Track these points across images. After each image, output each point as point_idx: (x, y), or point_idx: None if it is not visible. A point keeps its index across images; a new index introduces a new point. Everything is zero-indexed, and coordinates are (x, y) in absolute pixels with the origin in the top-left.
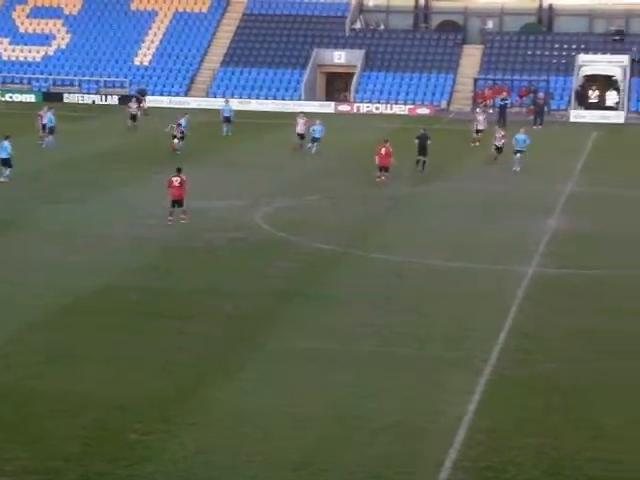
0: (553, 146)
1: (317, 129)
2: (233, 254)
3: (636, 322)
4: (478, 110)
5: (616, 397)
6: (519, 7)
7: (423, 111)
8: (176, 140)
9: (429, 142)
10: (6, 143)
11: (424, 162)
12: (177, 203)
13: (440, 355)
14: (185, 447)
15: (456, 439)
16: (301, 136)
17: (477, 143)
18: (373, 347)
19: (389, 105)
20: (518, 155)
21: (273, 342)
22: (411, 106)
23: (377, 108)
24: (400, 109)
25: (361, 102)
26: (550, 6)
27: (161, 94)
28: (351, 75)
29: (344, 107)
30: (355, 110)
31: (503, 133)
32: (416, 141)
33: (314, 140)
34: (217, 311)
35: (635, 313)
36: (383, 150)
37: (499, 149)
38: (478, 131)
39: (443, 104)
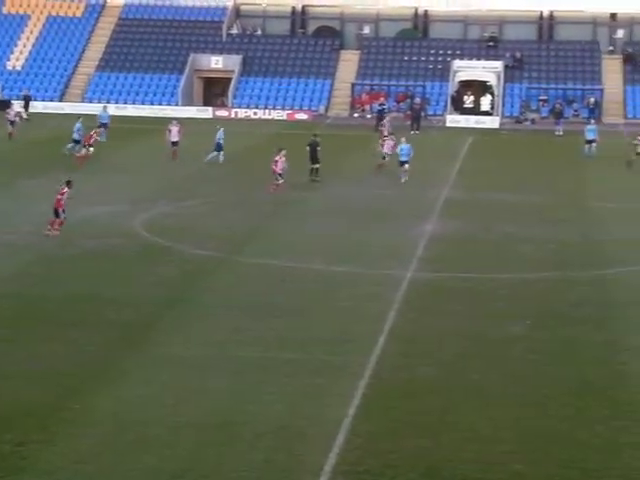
0: (430, 151)
1: (219, 135)
2: (112, 261)
3: (510, 325)
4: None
5: (490, 399)
6: (395, 13)
7: (301, 116)
8: (84, 149)
9: (319, 148)
10: None
11: (317, 169)
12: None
13: (321, 359)
14: (63, 457)
15: (336, 443)
16: (174, 143)
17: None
18: (254, 352)
19: (267, 110)
20: (406, 166)
21: (153, 349)
22: (289, 111)
23: (255, 113)
24: (278, 114)
25: (239, 107)
26: (425, 12)
27: (35, 99)
28: (229, 80)
29: (222, 112)
30: (233, 115)
31: (393, 143)
32: (307, 148)
33: (219, 148)
34: (97, 318)
35: (508, 316)
36: (278, 158)
37: (385, 157)
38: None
39: (321, 109)
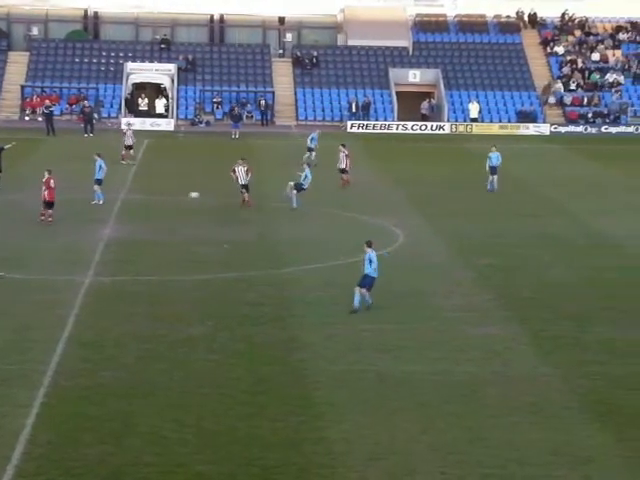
0: (105, 155)
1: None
2: None
3: (191, 326)
4: (125, 127)
5: (172, 401)
6: (64, 14)
7: None
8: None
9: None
10: None
11: None
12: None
13: None
14: None
15: (14, 454)
16: None
17: (128, 161)
18: None
19: None
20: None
21: None
22: None
23: None
24: None
25: None
26: (96, 14)
27: None
28: None
29: None
30: None
31: (347, 152)
32: None
33: None
34: None
35: (189, 317)
36: (52, 182)
37: (344, 171)
38: (128, 147)
39: None
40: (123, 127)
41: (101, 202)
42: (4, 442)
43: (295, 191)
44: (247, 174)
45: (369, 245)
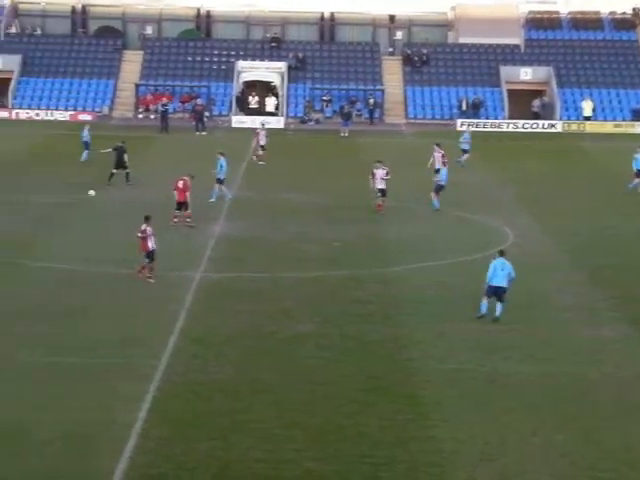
0: (215, 152)
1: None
2: None
3: (298, 323)
4: (259, 126)
5: (280, 398)
6: (177, 13)
7: (85, 117)
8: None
9: (126, 155)
10: None
11: (127, 174)
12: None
13: (109, 363)
14: None
15: (126, 448)
16: None
17: (261, 162)
18: (39, 357)
19: (49, 111)
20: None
21: None
22: (72, 112)
23: (37, 114)
24: (61, 115)
25: (20, 108)
26: (208, 12)
27: None
28: (8, 81)
29: (2, 113)
30: (14, 117)
31: (443, 152)
32: (112, 151)
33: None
34: None
35: (296, 314)
36: (181, 183)
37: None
38: (262, 147)
39: (105, 110)
40: (257, 127)
41: (229, 197)
42: (118, 435)
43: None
44: (385, 177)
45: (501, 254)
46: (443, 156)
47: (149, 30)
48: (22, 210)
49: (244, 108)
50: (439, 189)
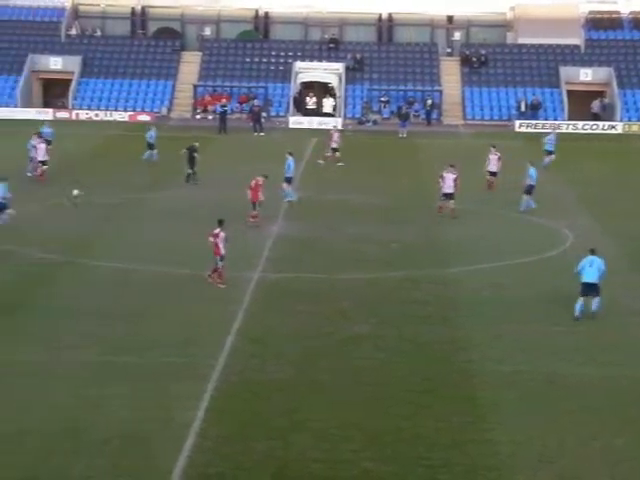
0: (275, 153)
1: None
2: None
3: (356, 324)
4: (332, 128)
5: (338, 398)
6: (236, 14)
7: (143, 118)
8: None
9: (197, 154)
10: None
11: (194, 174)
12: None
13: (167, 362)
14: None
15: (185, 446)
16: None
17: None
18: (98, 357)
19: (109, 112)
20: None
21: None
22: (131, 113)
23: (97, 115)
24: (120, 116)
25: (80, 109)
26: (266, 14)
27: None
28: (68, 81)
29: (63, 114)
30: (74, 117)
31: (499, 155)
32: (185, 152)
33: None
34: None
35: (354, 315)
36: (253, 183)
37: (493, 174)
38: (334, 150)
39: (163, 111)
40: (330, 129)
41: (294, 199)
42: (176, 434)
43: (526, 195)
44: (455, 182)
45: (592, 252)
46: (499, 159)
47: (207, 31)
48: (84, 210)
49: (301, 109)
50: (530, 189)
